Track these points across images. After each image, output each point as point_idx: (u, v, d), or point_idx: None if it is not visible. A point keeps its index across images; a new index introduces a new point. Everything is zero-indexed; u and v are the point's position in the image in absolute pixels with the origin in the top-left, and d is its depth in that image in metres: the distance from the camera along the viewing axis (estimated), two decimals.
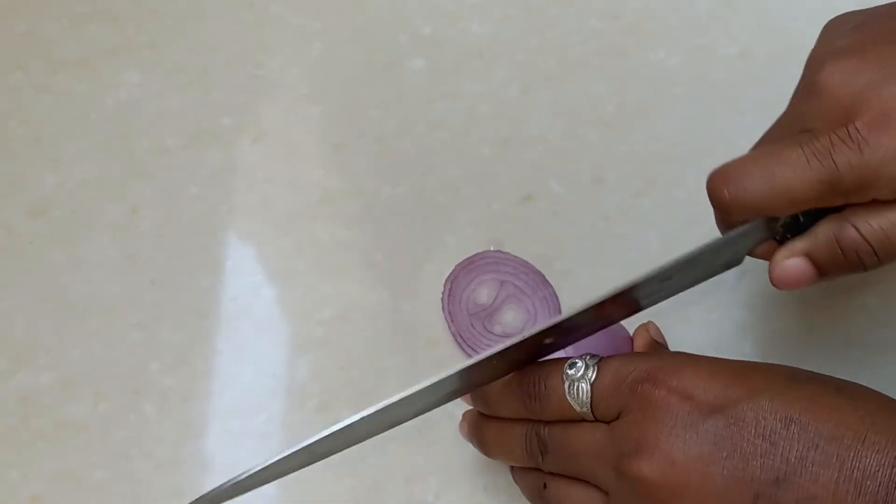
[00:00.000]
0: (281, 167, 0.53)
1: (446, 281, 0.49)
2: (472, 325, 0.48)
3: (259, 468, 0.37)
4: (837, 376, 0.46)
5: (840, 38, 0.36)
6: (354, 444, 0.38)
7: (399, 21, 0.56)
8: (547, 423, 0.38)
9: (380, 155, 0.53)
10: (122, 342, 0.50)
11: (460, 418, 0.43)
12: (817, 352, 0.47)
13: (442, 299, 0.49)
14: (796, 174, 0.34)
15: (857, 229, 0.35)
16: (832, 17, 0.40)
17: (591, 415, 0.36)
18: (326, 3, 0.57)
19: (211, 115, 0.54)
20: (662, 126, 0.52)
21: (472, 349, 0.48)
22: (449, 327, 0.48)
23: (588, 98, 0.53)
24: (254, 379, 0.49)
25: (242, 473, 0.37)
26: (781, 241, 0.37)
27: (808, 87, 0.36)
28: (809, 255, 0.36)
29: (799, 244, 0.36)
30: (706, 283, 0.48)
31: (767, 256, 0.37)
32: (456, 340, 0.48)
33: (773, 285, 0.37)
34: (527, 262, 0.49)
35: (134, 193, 0.53)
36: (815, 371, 0.36)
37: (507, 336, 0.48)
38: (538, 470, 0.39)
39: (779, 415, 0.32)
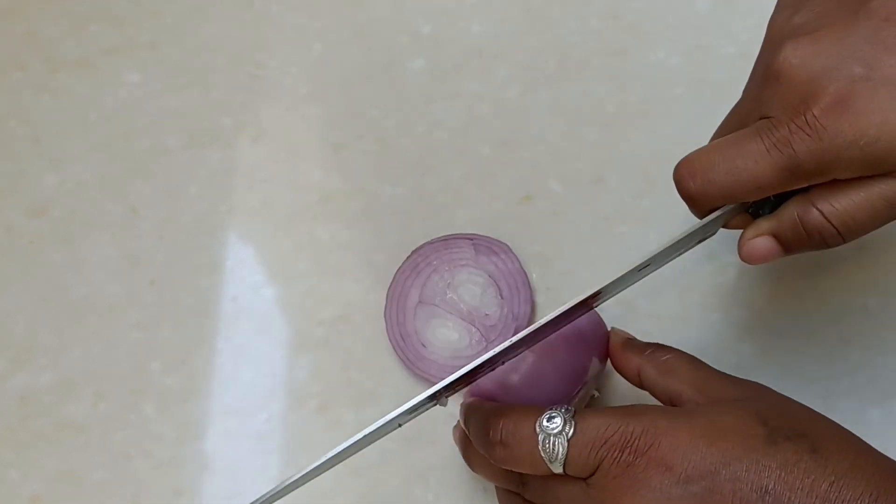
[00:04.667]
0: (281, 167, 0.53)
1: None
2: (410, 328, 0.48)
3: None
4: (836, 376, 0.46)
5: (798, 9, 0.36)
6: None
7: (399, 21, 0.56)
8: None
9: (380, 155, 0.53)
10: (122, 342, 0.50)
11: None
12: (817, 352, 0.47)
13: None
14: (758, 164, 0.35)
15: (821, 211, 0.35)
16: None
17: (560, 469, 0.36)
18: (326, 3, 0.57)
19: (211, 115, 0.54)
20: (662, 126, 0.52)
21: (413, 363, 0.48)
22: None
23: (588, 98, 0.53)
24: (254, 379, 0.49)
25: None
26: (754, 214, 0.38)
27: (766, 72, 0.36)
28: (775, 235, 0.37)
29: (765, 224, 0.37)
30: (707, 284, 0.48)
31: (741, 226, 0.39)
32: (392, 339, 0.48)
33: (743, 260, 0.38)
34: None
35: (134, 193, 0.53)
36: (800, 402, 0.36)
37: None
38: (520, 495, 0.39)
39: (754, 485, 0.33)
